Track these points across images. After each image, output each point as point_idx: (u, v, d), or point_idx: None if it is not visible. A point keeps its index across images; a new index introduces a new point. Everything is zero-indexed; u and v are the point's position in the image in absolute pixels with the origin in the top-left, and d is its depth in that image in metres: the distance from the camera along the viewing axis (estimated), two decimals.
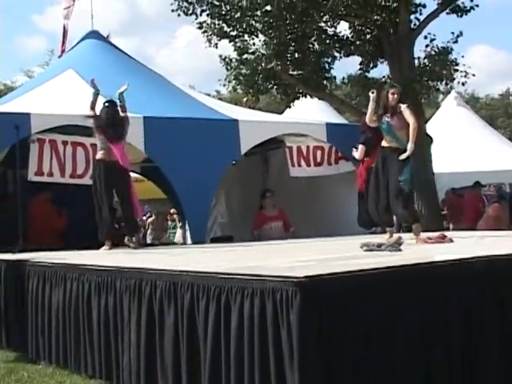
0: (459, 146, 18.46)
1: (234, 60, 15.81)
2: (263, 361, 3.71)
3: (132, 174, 13.30)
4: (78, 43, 13.17)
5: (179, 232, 18.32)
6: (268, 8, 14.73)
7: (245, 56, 15.65)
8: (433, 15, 15.08)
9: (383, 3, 14.31)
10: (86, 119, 8.81)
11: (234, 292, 3.93)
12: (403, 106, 7.84)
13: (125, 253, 7.99)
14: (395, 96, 7.88)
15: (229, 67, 15.83)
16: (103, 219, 8.49)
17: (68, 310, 5.84)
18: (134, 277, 4.95)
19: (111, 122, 8.59)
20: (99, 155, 8.67)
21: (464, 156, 17.82)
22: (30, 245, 8.82)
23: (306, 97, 16.49)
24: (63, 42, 15.68)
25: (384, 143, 8.00)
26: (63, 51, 15.40)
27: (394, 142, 7.85)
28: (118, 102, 8.81)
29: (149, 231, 20.03)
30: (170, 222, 19.41)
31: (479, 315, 4.27)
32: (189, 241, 11.48)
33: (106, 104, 8.71)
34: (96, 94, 8.75)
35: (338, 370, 3.65)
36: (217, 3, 15.29)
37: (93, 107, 8.72)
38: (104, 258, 6.90)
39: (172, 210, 18.02)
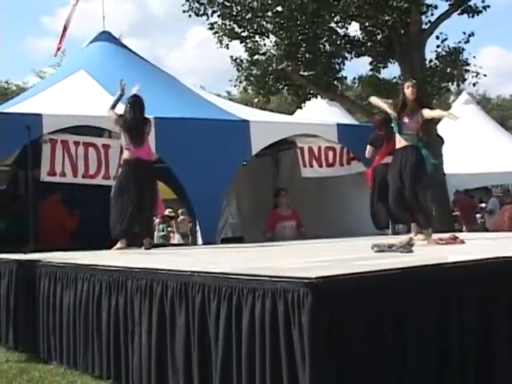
0: (470, 147, 18.40)
1: (244, 61, 15.84)
2: (275, 362, 3.71)
3: None
4: (89, 44, 13.21)
5: (177, 236, 18.24)
6: (279, 9, 14.75)
7: (256, 57, 15.68)
8: (444, 16, 15.06)
9: (394, 4, 14.28)
10: (115, 121, 8.70)
11: (245, 293, 3.93)
12: (424, 111, 7.79)
13: (136, 253, 8.00)
14: (411, 89, 7.77)
15: (240, 68, 15.86)
16: (127, 217, 8.43)
17: (79, 310, 5.84)
18: (145, 277, 4.95)
19: (134, 125, 8.55)
20: (126, 155, 8.63)
21: (475, 157, 17.76)
22: (41, 245, 8.83)
23: (316, 97, 16.51)
24: (60, 41, 15.66)
25: (397, 145, 7.94)
26: (59, 49, 15.42)
27: (406, 141, 7.81)
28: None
29: (156, 232, 20.00)
30: (160, 225, 18.94)
31: (491, 316, 4.25)
32: (199, 241, 11.48)
33: (131, 103, 8.65)
34: (121, 96, 8.74)
35: (349, 371, 3.64)
36: (228, 4, 15.32)
37: (113, 107, 8.71)
38: (115, 258, 6.90)
39: (167, 212, 17.53)
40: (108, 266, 5.62)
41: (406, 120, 7.75)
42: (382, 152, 10.10)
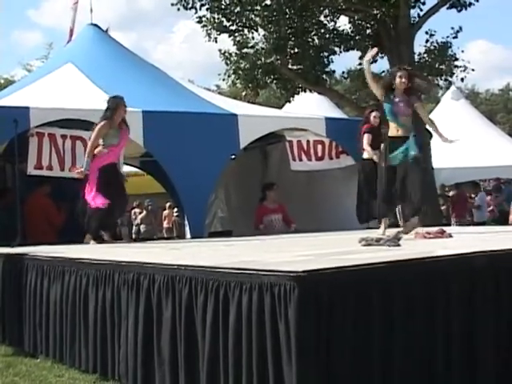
0: (459, 141, 18.43)
1: (233, 54, 15.82)
2: (261, 355, 3.71)
3: (131, 169, 13.39)
4: (76, 37, 13.15)
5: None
6: (268, 2, 14.76)
7: (244, 50, 15.68)
8: (433, 10, 15.08)
9: None
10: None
11: (232, 286, 3.92)
12: (418, 104, 7.66)
13: (123, 247, 7.99)
14: (403, 80, 7.46)
15: (228, 61, 15.84)
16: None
17: (66, 303, 5.83)
18: (132, 271, 4.93)
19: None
20: (110, 159, 8.63)
21: (463, 151, 17.80)
22: (28, 239, 8.79)
23: (305, 91, 16.50)
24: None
25: (393, 131, 7.64)
26: None
27: (400, 130, 7.54)
28: None
29: (142, 226, 20.00)
30: None
31: (478, 310, 4.26)
32: (188, 235, 11.47)
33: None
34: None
35: (335, 365, 3.65)
36: None
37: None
38: (102, 251, 6.88)
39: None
40: (95, 260, 5.60)
41: (400, 104, 7.51)
42: (375, 145, 10.07)
